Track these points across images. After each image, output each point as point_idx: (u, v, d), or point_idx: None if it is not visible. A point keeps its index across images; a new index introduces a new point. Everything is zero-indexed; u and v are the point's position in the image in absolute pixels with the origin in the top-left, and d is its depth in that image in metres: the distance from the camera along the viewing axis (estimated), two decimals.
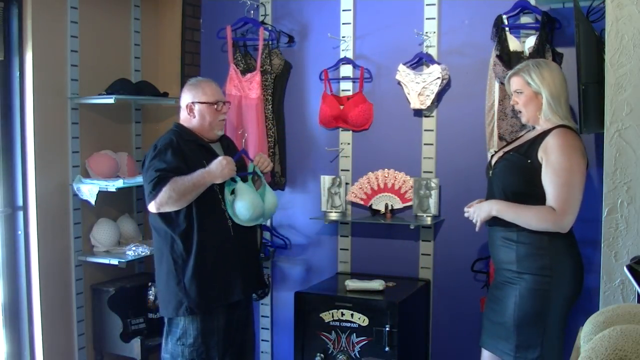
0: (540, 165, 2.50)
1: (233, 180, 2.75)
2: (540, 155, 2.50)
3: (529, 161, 2.52)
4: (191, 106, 2.80)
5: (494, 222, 2.62)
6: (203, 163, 2.71)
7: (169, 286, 2.72)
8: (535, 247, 2.51)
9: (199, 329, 2.71)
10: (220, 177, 2.68)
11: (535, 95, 2.56)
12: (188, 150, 2.73)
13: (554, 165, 2.46)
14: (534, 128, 2.66)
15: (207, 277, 2.69)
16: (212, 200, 2.72)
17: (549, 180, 2.47)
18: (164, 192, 2.59)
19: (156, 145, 2.72)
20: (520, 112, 2.64)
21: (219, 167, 2.67)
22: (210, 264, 2.70)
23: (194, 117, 2.80)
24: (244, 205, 2.73)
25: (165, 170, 2.62)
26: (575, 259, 2.57)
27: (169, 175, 2.61)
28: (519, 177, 2.56)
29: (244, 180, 2.81)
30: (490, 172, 2.69)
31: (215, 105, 2.80)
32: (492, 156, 2.75)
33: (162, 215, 2.68)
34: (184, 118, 2.84)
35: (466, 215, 2.70)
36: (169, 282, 2.72)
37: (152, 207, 2.65)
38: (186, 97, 2.83)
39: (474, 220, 2.67)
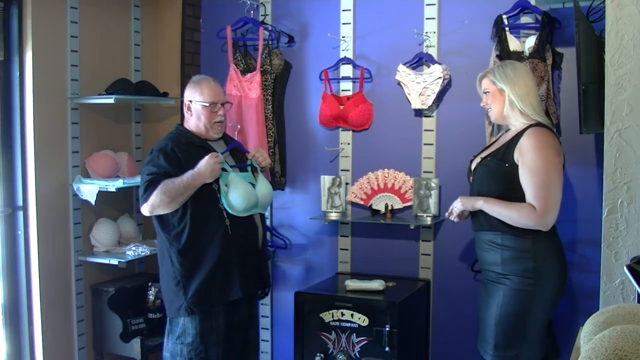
0: (517, 167, 2.53)
1: (224, 170, 2.74)
2: (516, 156, 2.53)
3: (507, 165, 2.55)
4: (189, 105, 2.82)
5: (479, 226, 2.66)
6: None
7: (169, 287, 2.75)
8: (519, 250, 2.54)
9: (197, 328, 2.71)
10: (209, 176, 2.67)
11: (500, 94, 2.62)
12: (185, 154, 2.72)
13: (530, 166, 2.49)
14: (509, 129, 2.69)
15: (204, 277, 2.69)
16: (209, 200, 2.71)
17: (526, 181, 2.50)
18: (155, 196, 2.63)
19: (152, 151, 2.76)
20: (489, 110, 2.69)
21: (206, 166, 2.66)
22: (208, 264, 2.70)
23: (191, 115, 2.82)
24: (237, 196, 2.71)
25: (156, 174, 2.66)
26: (559, 261, 2.60)
27: (159, 178, 2.64)
28: (498, 183, 2.60)
29: (242, 171, 2.82)
30: (471, 178, 2.72)
31: (212, 107, 2.80)
32: (472, 161, 2.77)
33: (158, 217, 2.71)
34: (185, 116, 2.86)
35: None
36: (169, 283, 2.75)
37: (144, 210, 2.69)
38: (186, 95, 2.85)
39: (455, 208, 2.71)
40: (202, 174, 2.66)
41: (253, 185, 2.83)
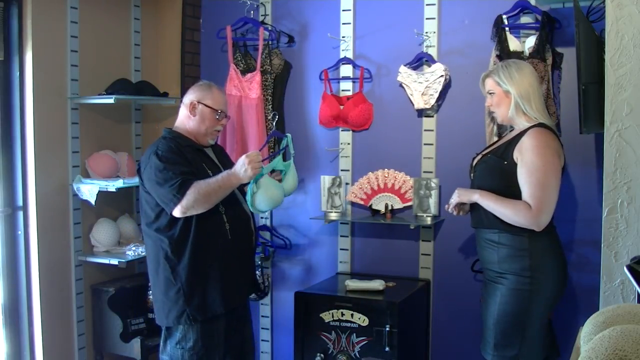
0: (516, 166, 2.53)
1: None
2: (516, 155, 2.54)
3: (505, 162, 2.56)
4: (195, 104, 2.74)
5: (478, 222, 2.67)
6: (203, 167, 2.69)
7: (168, 295, 2.67)
8: (515, 249, 2.55)
9: (199, 332, 2.67)
10: (245, 177, 2.60)
11: (506, 95, 2.61)
12: (188, 155, 2.67)
13: (528, 165, 2.50)
14: (513, 129, 2.69)
15: (207, 284, 2.65)
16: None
17: (523, 180, 2.51)
18: (190, 195, 2.53)
19: (157, 154, 2.62)
20: (494, 112, 2.69)
21: (242, 167, 2.59)
22: (210, 272, 2.66)
23: (194, 116, 2.75)
24: (264, 199, 2.68)
25: (185, 174, 2.57)
26: (557, 260, 2.60)
27: (190, 178, 2.56)
28: (496, 179, 2.61)
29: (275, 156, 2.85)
30: (472, 174, 2.74)
31: (218, 114, 2.76)
32: (474, 158, 2.78)
33: (158, 222, 2.64)
34: (183, 116, 2.79)
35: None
36: (169, 291, 2.66)
37: (177, 212, 2.56)
38: (193, 95, 2.77)
39: (452, 199, 2.72)
40: (237, 174, 2.60)
41: (281, 172, 2.84)
